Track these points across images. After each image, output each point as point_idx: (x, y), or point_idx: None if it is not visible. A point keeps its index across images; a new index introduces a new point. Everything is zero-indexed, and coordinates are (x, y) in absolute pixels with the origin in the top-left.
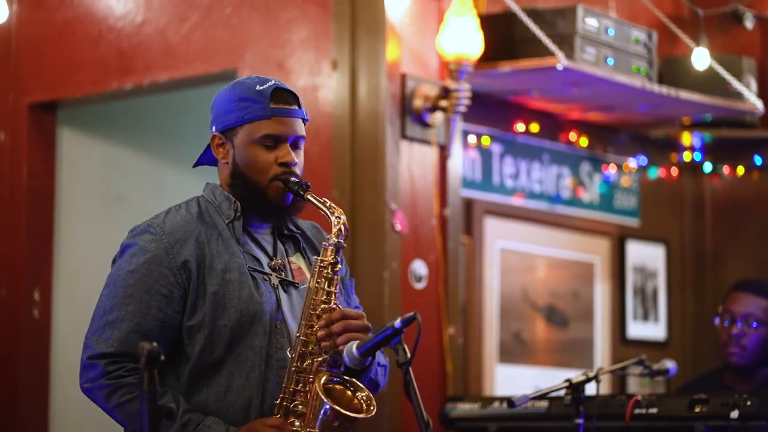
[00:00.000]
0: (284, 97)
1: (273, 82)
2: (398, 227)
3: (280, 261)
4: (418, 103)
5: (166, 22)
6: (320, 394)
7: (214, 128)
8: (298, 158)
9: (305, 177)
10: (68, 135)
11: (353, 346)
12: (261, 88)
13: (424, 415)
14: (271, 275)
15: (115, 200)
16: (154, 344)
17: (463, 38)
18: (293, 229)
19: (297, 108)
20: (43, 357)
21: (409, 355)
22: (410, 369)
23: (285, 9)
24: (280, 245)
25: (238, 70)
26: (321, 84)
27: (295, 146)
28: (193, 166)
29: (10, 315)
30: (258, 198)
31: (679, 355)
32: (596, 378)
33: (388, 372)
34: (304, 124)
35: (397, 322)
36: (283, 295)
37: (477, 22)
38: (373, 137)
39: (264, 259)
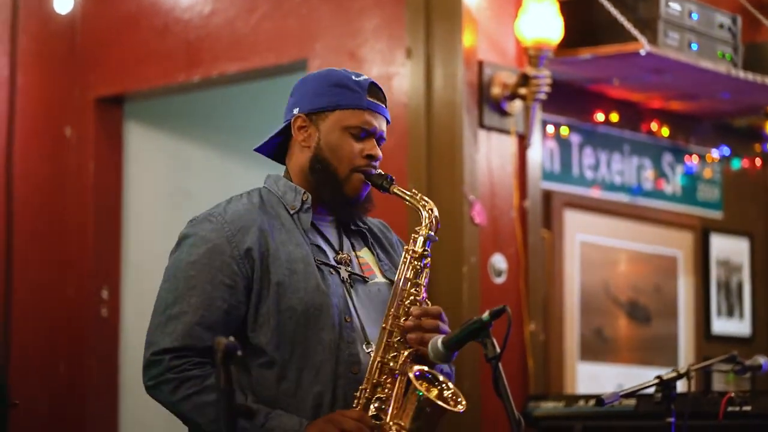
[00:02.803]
0: (378, 94)
1: (367, 76)
2: (477, 220)
3: (346, 255)
4: (496, 91)
5: (234, 13)
6: (413, 381)
7: (297, 110)
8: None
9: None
10: (135, 129)
11: (438, 340)
12: (358, 79)
13: (515, 412)
14: (339, 268)
15: (183, 196)
16: (231, 338)
17: (542, 23)
18: (360, 224)
19: (386, 107)
20: (112, 356)
21: (498, 349)
22: (499, 364)
23: None
24: (346, 239)
25: (308, 60)
26: (395, 73)
27: (378, 144)
28: (255, 150)
29: (78, 314)
30: (334, 186)
31: (764, 351)
32: (687, 375)
33: (454, 379)
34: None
35: (486, 315)
36: (351, 290)
37: (557, 5)
38: (449, 127)
39: (330, 253)
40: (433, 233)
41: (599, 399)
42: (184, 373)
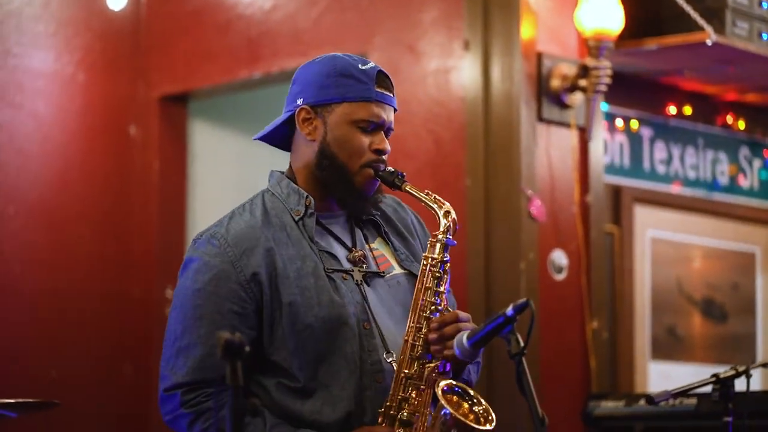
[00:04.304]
0: (386, 82)
1: (374, 64)
2: (535, 215)
3: (360, 252)
4: (555, 83)
5: (295, 8)
6: (440, 398)
7: (301, 101)
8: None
9: (438, 163)
10: (200, 127)
11: (463, 336)
12: (365, 68)
13: (539, 410)
14: (352, 271)
15: (249, 194)
16: (236, 334)
17: (602, 12)
18: (372, 212)
19: (393, 96)
20: None
21: (522, 344)
22: (523, 360)
23: None
24: (358, 233)
25: (367, 54)
26: (453, 66)
27: (386, 135)
28: (255, 138)
29: (142, 314)
30: (344, 182)
31: None
32: (746, 372)
33: (480, 369)
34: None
35: (509, 310)
36: (368, 290)
37: None
38: (507, 121)
39: (341, 253)
40: (451, 237)
41: (649, 397)
42: (199, 406)
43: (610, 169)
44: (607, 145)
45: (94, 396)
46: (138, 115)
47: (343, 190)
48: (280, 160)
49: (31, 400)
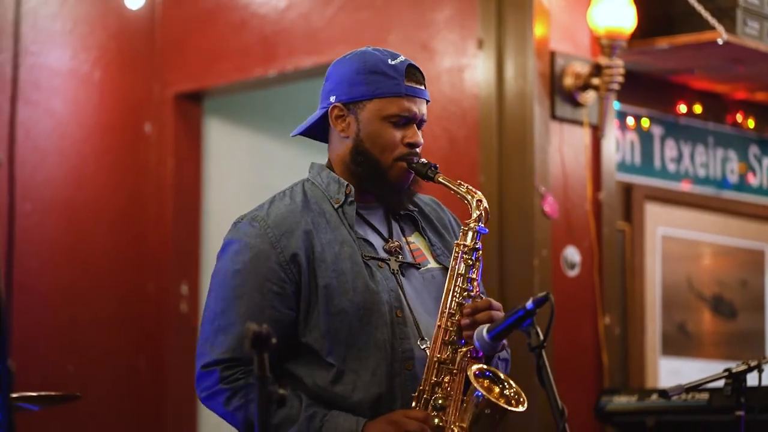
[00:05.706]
0: (416, 75)
1: (404, 57)
2: (548, 212)
3: (396, 243)
4: (568, 81)
5: (309, 6)
6: (472, 381)
7: (333, 98)
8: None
9: (452, 160)
10: (215, 125)
11: (483, 329)
12: (394, 62)
13: (558, 402)
14: (388, 260)
15: (263, 191)
16: (264, 326)
17: (615, 12)
18: (410, 207)
19: (425, 88)
20: (191, 351)
21: (542, 337)
22: (543, 353)
23: None
24: (395, 226)
25: None
26: (466, 64)
27: (418, 127)
28: (293, 135)
29: (157, 310)
30: (378, 177)
31: None
32: (759, 367)
33: (510, 366)
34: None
35: (529, 303)
36: (403, 280)
37: None
38: (521, 119)
39: (378, 243)
40: (483, 225)
41: (664, 392)
42: (236, 383)
43: (622, 166)
44: (618, 143)
45: (110, 390)
46: (153, 112)
47: (379, 184)
48: (295, 157)
49: (53, 393)
